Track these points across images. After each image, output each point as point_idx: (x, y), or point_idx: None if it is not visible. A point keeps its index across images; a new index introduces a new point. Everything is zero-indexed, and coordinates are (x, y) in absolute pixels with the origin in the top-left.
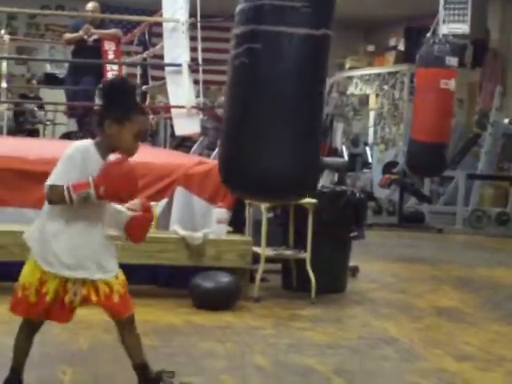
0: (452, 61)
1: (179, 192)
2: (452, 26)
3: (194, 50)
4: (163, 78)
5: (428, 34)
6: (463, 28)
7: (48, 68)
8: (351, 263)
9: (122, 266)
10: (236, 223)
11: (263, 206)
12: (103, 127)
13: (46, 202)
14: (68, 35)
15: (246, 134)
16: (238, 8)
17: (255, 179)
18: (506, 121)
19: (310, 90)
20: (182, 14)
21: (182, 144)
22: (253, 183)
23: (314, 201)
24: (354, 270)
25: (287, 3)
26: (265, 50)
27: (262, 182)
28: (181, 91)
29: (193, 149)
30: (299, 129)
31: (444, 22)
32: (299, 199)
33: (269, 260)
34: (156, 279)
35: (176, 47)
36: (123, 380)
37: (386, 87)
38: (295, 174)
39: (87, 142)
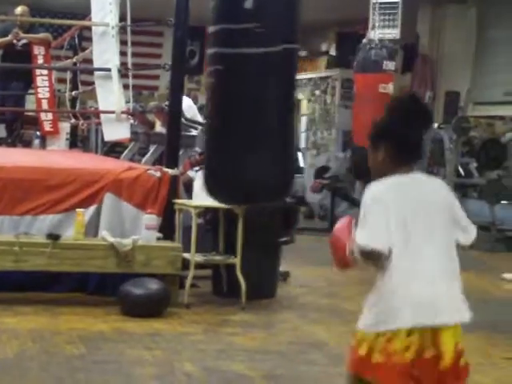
0: (389, 65)
1: (108, 198)
2: (383, 31)
3: (124, 54)
4: (93, 83)
5: (364, 40)
6: (393, 33)
7: None
8: (282, 268)
9: (52, 274)
10: (166, 229)
11: (193, 211)
12: None
13: None
14: None
15: (225, 145)
16: (209, 30)
17: (238, 187)
18: (435, 126)
19: (278, 105)
20: (112, 18)
21: (113, 150)
22: (236, 191)
23: (243, 206)
24: (285, 275)
25: (241, 26)
26: (228, 71)
27: (245, 189)
28: (110, 96)
29: (123, 154)
30: (272, 140)
31: (375, 27)
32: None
33: (199, 266)
34: (85, 287)
35: (105, 52)
36: None
37: (317, 92)
38: (274, 182)
39: None
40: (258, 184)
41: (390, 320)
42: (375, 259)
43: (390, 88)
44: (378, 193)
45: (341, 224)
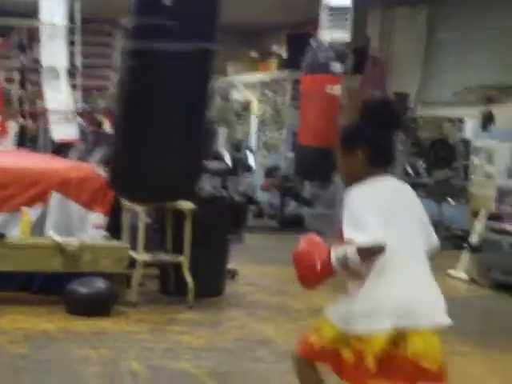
0: (337, 67)
1: (55, 197)
2: (333, 33)
3: (72, 54)
4: (42, 83)
5: (312, 41)
6: (344, 35)
7: None
8: (230, 266)
9: None
10: (113, 228)
11: (140, 210)
12: None
13: None
14: None
15: (128, 141)
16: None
17: (139, 182)
18: None
19: (189, 98)
20: (61, 19)
21: (61, 149)
22: (137, 186)
23: (191, 205)
24: (233, 273)
25: (156, 22)
26: (141, 66)
27: (146, 184)
28: (59, 96)
29: (71, 154)
30: (180, 135)
31: (325, 29)
32: (178, 200)
33: (146, 265)
34: (30, 286)
35: (54, 52)
36: None
37: (268, 93)
38: (178, 178)
39: None
40: (163, 182)
41: (371, 321)
42: (377, 255)
43: (337, 89)
44: (364, 195)
45: (309, 239)
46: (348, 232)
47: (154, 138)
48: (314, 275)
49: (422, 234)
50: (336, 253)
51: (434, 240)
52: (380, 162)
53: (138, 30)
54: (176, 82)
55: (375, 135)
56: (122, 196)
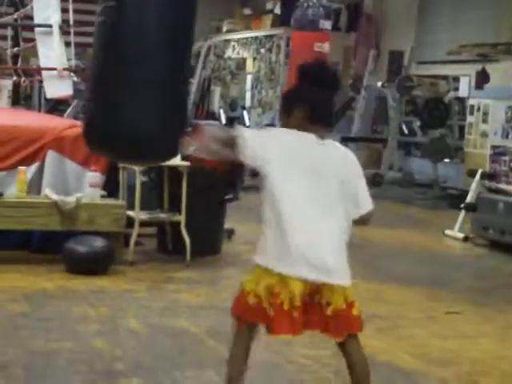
0: (326, 24)
1: (51, 156)
2: None
3: (65, 11)
4: (35, 40)
5: None
6: None
7: None
8: (227, 225)
9: None
10: (110, 187)
11: (137, 169)
12: None
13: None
14: None
15: (106, 95)
16: None
17: (117, 141)
18: (379, 84)
19: (173, 46)
20: None
21: (56, 107)
22: (115, 145)
23: (187, 164)
24: (230, 232)
25: None
26: (120, 7)
27: (125, 143)
28: (52, 53)
29: (67, 112)
30: (162, 89)
31: None
32: (162, 162)
33: (144, 224)
34: (28, 245)
35: (46, 8)
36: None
37: (262, 51)
38: (159, 136)
39: None
40: (141, 138)
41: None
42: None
43: (325, 47)
44: (283, 131)
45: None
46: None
47: (133, 93)
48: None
49: (342, 198)
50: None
51: (362, 208)
52: (318, 122)
53: None
54: (159, 24)
55: (312, 96)
56: (101, 154)
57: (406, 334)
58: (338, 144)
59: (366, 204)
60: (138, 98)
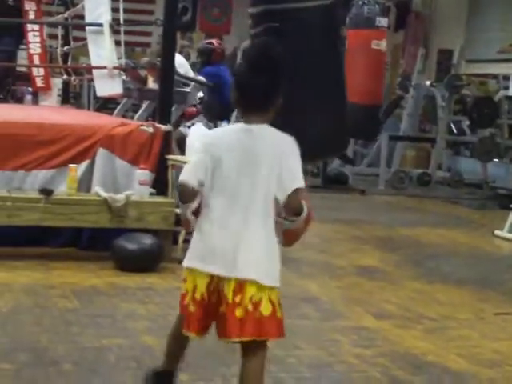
0: (382, 21)
1: (101, 153)
2: None
3: (116, 10)
4: (86, 39)
5: None
6: None
7: None
8: None
9: (44, 229)
10: (159, 185)
11: None
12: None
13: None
14: None
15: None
16: None
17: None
18: (428, 83)
19: (334, 59)
20: None
21: (105, 106)
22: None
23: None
24: None
25: None
26: (284, 27)
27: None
28: (102, 52)
29: (116, 110)
30: (331, 98)
31: None
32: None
33: None
34: (78, 242)
35: (97, 7)
36: (45, 341)
37: None
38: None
39: None
40: (321, 140)
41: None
42: (184, 194)
43: (382, 44)
44: (209, 138)
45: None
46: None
47: (312, 97)
48: None
49: (270, 186)
50: None
51: (287, 189)
52: (247, 107)
53: None
54: (319, 39)
55: (240, 81)
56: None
57: (454, 335)
58: (269, 128)
59: (292, 182)
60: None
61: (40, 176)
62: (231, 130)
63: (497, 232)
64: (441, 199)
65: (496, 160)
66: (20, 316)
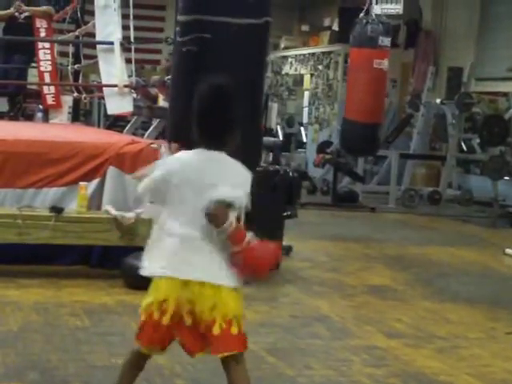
0: (385, 41)
1: (111, 171)
2: (385, 6)
3: (126, 28)
4: (96, 57)
5: (361, 15)
6: (396, 8)
7: None
8: (285, 242)
9: (55, 247)
10: None
11: None
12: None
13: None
14: None
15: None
16: None
17: None
18: (438, 101)
19: (255, 75)
20: None
21: (116, 124)
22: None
23: None
24: (288, 249)
25: None
26: (213, 39)
27: None
28: (113, 69)
29: (126, 128)
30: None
31: (377, 2)
32: None
33: None
34: (88, 260)
35: (108, 25)
36: (55, 359)
37: (320, 67)
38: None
39: None
40: None
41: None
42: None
43: (384, 64)
44: (173, 160)
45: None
46: None
47: None
48: None
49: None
50: None
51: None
52: (205, 142)
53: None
54: (243, 55)
55: (199, 119)
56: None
57: (466, 355)
58: (220, 155)
59: (221, 196)
60: None
61: (50, 194)
62: (192, 152)
63: (507, 250)
64: (451, 217)
65: (506, 178)
66: (30, 334)
